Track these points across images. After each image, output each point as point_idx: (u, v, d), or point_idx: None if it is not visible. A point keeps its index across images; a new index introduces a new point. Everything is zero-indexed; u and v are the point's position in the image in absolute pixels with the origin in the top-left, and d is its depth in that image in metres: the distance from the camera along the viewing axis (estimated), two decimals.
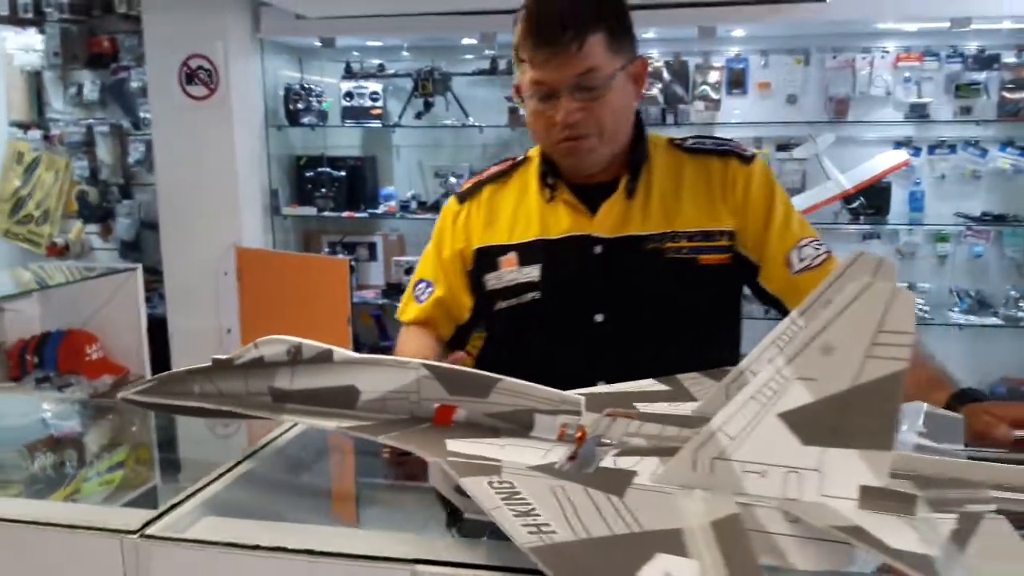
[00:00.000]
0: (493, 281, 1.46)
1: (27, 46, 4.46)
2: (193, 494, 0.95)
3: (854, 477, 0.73)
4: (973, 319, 3.45)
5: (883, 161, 3.43)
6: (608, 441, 0.92)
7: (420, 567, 0.78)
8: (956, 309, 3.50)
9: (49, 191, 4.54)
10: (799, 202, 3.48)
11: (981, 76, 3.45)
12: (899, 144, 3.60)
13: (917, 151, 3.58)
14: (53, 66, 4.46)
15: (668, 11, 3.40)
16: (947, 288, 3.61)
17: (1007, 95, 3.44)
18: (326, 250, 4.24)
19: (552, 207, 1.43)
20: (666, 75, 3.80)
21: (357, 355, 1.01)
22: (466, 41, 3.85)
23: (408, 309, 1.54)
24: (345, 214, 4.06)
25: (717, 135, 1.55)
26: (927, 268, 3.66)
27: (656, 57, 3.82)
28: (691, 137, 1.48)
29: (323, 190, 4.03)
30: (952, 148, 3.55)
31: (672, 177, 1.42)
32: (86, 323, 2.95)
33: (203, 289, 3.83)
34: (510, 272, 1.43)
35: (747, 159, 1.43)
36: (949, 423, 1.01)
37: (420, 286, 1.53)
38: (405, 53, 4.14)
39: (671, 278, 1.38)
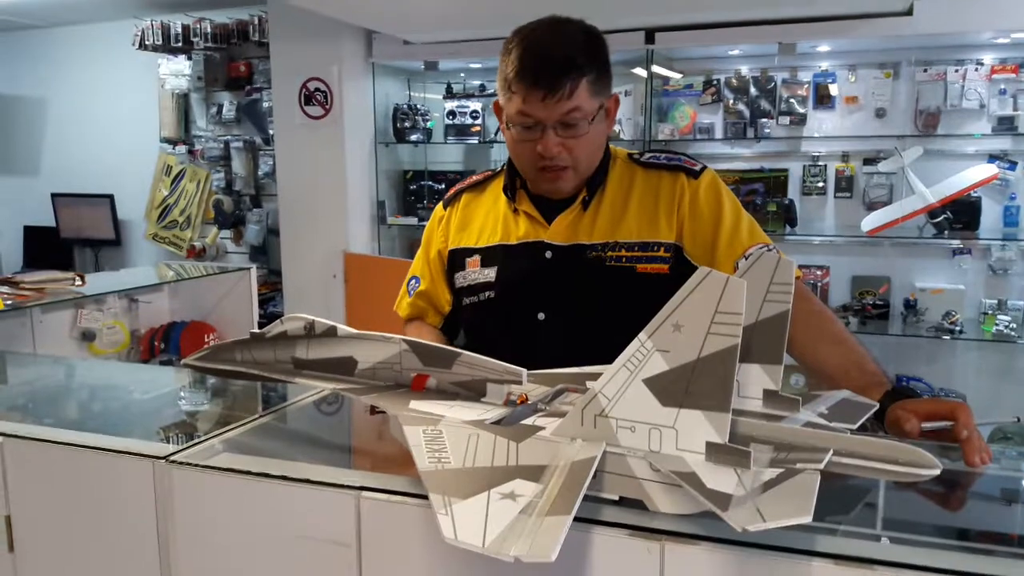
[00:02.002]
0: (460, 279, 1.62)
1: (177, 71, 5.04)
2: (219, 435, 1.19)
3: (701, 434, 0.88)
4: None
5: (971, 175, 3.36)
6: (544, 407, 1.10)
7: (365, 493, 0.98)
8: None
9: (191, 200, 5.10)
10: (881, 216, 3.47)
11: None
12: (993, 157, 3.51)
13: (1013, 165, 3.49)
14: (198, 89, 5.03)
15: (749, 28, 3.49)
16: None
17: None
18: None
19: (515, 216, 1.58)
20: (753, 90, 3.87)
21: (355, 331, 1.23)
22: None
23: (402, 304, 1.74)
24: None
25: (673, 150, 1.65)
26: (1021, 285, 3.55)
27: (744, 73, 3.90)
28: (647, 151, 1.59)
29: (425, 201, 4.34)
30: None
31: (623, 190, 1.54)
32: (207, 315, 3.36)
33: (315, 289, 4.22)
34: (474, 272, 1.59)
35: (695, 173, 1.52)
36: (859, 408, 1.13)
37: (411, 282, 1.72)
38: None
39: (609, 284, 1.48)
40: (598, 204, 1.54)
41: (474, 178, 1.72)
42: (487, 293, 1.58)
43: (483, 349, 1.32)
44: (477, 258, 1.60)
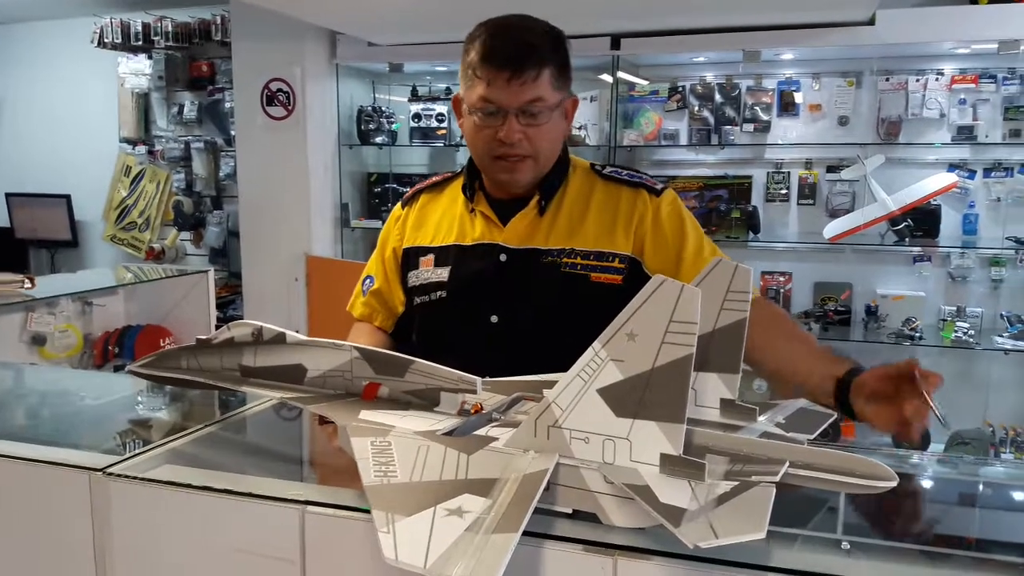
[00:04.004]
0: (413, 278, 1.61)
1: (137, 71, 4.94)
2: (162, 445, 1.15)
3: (655, 446, 0.86)
4: (1021, 344, 3.37)
5: (931, 183, 3.41)
6: (499, 417, 1.07)
7: (310, 507, 0.95)
8: (1005, 334, 3.43)
9: (151, 201, 5.00)
10: (843, 223, 3.50)
11: None
12: (953, 166, 3.56)
13: (972, 174, 3.54)
14: (158, 88, 4.94)
15: (714, 36, 3.50)
16: (998, 313, 3.54)
17: None
18: None
19: (471, 217, 1.57)
20: (718, 97, 3.88)
21: (305, 338, 1.20)
22: None
23: (356, 303, 1.71)
24: None
25: (634, 168, 1.65)
26: (979, 292, 3.60)
27: (709, 80, 3.91)
28: (609, 165, 1.60)
29: (389, 204, 4.29)
30: (1008, 171, 3.48)
31: (582, 199, 1.54)
32: (163, 319, 3.28)
33: (276, 293, 4.15)
34: (426, 271, 1.58)
35: (657, 192, 1.53)
36: (817, 417, 1.12)
37: (366, 282, 1.70)
38: None
39: (562, 290, 1.48)
40: (556, 210, 1.53)
41: (433, 179, 1.71)
42: (439, 293, 1.57)
43: (434, 350, 1.29)
44: (431, 257, 1.59)
